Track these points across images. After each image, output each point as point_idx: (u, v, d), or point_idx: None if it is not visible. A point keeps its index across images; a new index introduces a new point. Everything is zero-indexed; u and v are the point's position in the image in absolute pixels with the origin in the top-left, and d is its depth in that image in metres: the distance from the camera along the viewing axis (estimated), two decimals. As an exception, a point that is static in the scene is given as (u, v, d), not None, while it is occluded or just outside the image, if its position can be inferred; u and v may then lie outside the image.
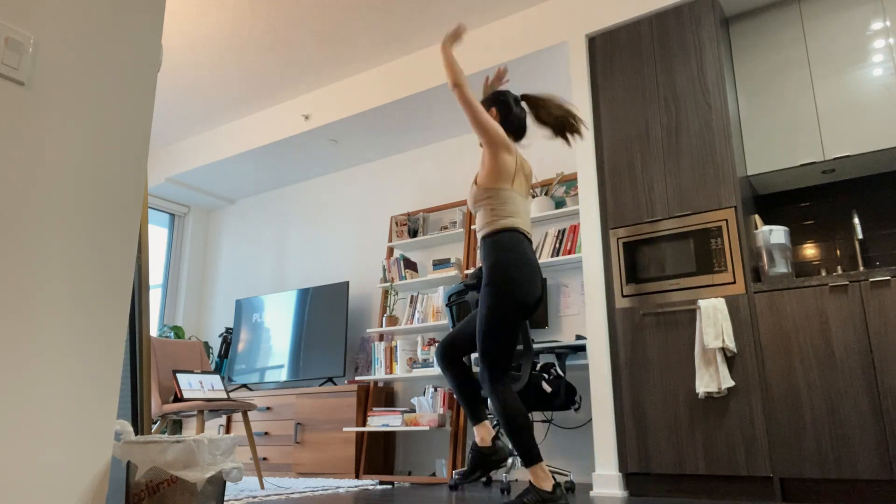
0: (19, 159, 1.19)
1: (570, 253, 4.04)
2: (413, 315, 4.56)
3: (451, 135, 5.02)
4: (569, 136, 2.56)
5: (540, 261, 4.10)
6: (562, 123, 2.54)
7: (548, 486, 2.22)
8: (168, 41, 4.28)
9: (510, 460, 3.34)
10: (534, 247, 2.54)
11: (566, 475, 3.25)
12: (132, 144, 1.41)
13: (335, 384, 4.78)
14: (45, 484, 1.16)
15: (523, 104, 2.63)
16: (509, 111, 2.55)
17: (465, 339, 2.50)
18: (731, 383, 2.79)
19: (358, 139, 5.07)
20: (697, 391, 2.84)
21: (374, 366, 4.48)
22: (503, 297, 2.28)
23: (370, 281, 5.21)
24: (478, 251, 2.48)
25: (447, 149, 5.09)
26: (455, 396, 2.54)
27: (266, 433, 4.71)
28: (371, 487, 3.58)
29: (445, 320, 4.34)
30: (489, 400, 2.31)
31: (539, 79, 4.22)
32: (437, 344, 2.37)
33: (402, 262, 4.71)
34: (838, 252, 3.34)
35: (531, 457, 2.24)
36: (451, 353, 2.47)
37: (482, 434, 2.42)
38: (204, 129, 5.59)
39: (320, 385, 4.77)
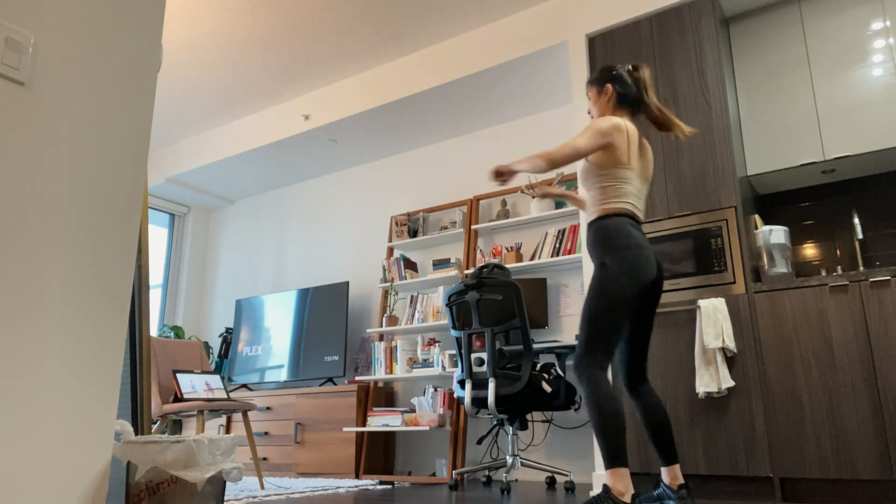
0: (19, 159, 1.19)
1: (570, 253, 4.04)
2: (413, 315, 4.56)
3: (451, 135, 5.02)
4: (667, 132, 2.45)
5: (539, 261, 4.10)
6: (657, 120, 2.43)
7: (627, 496, 1.99)
8: (168, 41, 4.28)
9: (509, 459, 3.34)
10: (644, 233, 2.36)
11: (566, 475, 3.25)
12: (132, 144, 1.41)
13: (335, 384, 4.78)
14: (45, 484, 1.16)
15: (638, 74, 2.47)
16: (624, 84, 2.42)
17: (636, 357, 2.33)
18: (731, 383, 2.79)
19: (358, 139, 5.07)
20: (697, 391, 2.84)
21: (374, 366, 4.48)
22: (614, 276, 2.14)
23: (370, 281, 5.21)
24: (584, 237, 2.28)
25: (447, 149, 5.09)
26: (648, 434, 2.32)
27: (266, 433, 4.71)
28: (371, 487, 3.58)
29: (445, 320, 4.34)
30: (581, 387, 2.12)
31: (539, 79, 4.22)
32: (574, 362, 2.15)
33: (402, 262, 4.71)
34: (838, 252, 3.34)
35: (617, 458, 2.02)
36: (636, 383, 2.32)
37: (674, 474, 2.25)
38: (204, 129, 5.59)
39: (320, 385, 4.77)
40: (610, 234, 2.20)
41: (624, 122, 2.29)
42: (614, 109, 2.42)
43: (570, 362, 3.95)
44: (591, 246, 2.26)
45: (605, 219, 2.24)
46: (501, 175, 2.27)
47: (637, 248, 2.17)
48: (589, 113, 2.54)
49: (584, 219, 2.33)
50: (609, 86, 2.43)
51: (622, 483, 2.00)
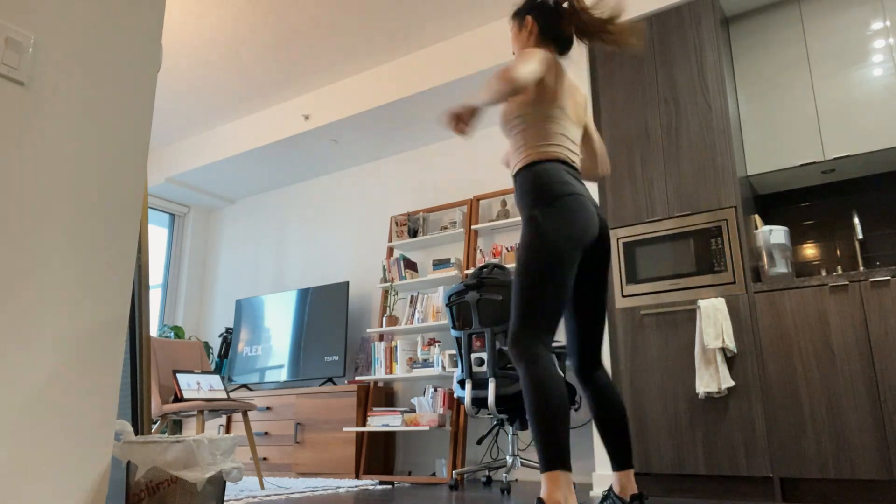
0: (19, 159, 1.19)
1: (570, 253, 4.03)
2: (413, 315, 4.56)
3: (452, 134, 5.02)
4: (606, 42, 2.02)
5: (540, 261, 4.09)
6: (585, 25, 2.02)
7: None
8: (168, 41, 4.28)
9: (509, 459, 3.34)
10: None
11: (566, 475, 3.24)
12: (132, 144, 1.41)
13: (335, 384, 4.78)
14: (45, 484, 1.16)
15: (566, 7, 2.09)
16: (547, 14, 2.07)
17: (587, 336, 1.96)
18: (731, 383, 2.79)
19: (358, 139, 5.07)
20: (697, 391, 2.84)
21: (374, 366, 4.48)
22: (545, 230, 1.78)
23: (370, 281, 5.21)
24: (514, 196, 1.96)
25: (447, 149, 5.09)
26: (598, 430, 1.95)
27: (266, 433, 4.71)
28: (371, 487, 3.58)
29: (445, 320, 4.34)
30: (519, 368, 1.74)
31: (539, 79, 4.22)
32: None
33: (402, 262, 4.71)
34: (838, 252, 3.34)
35: (558, 459, 1.60)
36: (588, 367, 1.96)
37: (625, 481, 1.86)
38: (204, 129, 5.59)
39: (320, 385, 4.77)
40: (543, 182, 1.85)
41: (553, 56, 1.97)
42: (538, 46, 2.08)
43: (568, 363, 3.94)
44: (520, 198, 1.90)
45: (536, 165, 1.90)
46: (459, 120, 1.80)
47: (575, 197, 1.83)
48: (514, 54, 2.18)
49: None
50: (529, 18, 2.10)
51: (561, 491, 1.57)
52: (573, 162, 1.95)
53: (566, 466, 1.60)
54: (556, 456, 1.61)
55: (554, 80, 1.95)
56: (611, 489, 1.89)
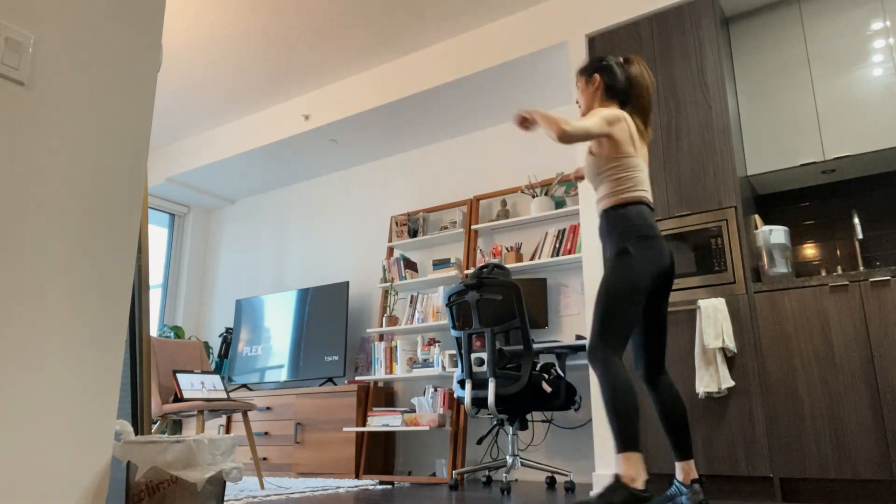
0: (19, 159, 1.19)
1: (570, 253, 4.04)
2: (413, 315, 4.56)
3: (452, 135, 5.02)
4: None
5: (539, 261, 4.11)
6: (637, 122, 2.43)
7: (640, 482, 1.93)
8: (168, 41, 4.28)
9: (509, 459, 3.34)
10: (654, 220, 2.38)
11: (566, 475, 3.25)
12: (132, 144, 1.41)
13: (335, 384, 4.78)
14: (45, 484, 1.16)
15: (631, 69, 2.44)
16: (613, 76, 2.40)
17: (653, 348, 2.29)
18: (731, 383, 2.79)
19: (358, 139, 5.07)
20: (697, 391, 2.84)
21: (374, 366, 4.48)
22: (634, 264, 2.14)
23: (370, 281, 5.21)
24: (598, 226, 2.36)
25: (447, 149, 5.09)
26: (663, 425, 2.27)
27: (266, 433, 4.71)
28: (371, 487, 3.58)
29: (445, 320, 4.34)
30: (596, 372, 2.09)
31: (539, 79, 4.22)
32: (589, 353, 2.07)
33: (402, 262, 4.71)
34: (838, 252, 3.34)
35: (629, 442, 1.98)
36: (653, 374, 2.28)
37: (687, 469, 2.18)
38: (204, 129, 5.59)
39: (320, 385, 4.77)
40: (634, 223, 2.20)
41: (622, 113, 2.29)
42: (602, 100, 2.40)
43: (570, 362, 3.95)
44: (609, 233, 2.25)
45: (625, 207, 2.24)
46: (525, 121, 2.27)
47: (659, 239, 2.20)
48: (577, 103, 2.50)
49: (595, 207, 2.35)
50: (597, 76, 2.41)
51: (633, 468, 1.95)
52: (651, 202, 2.32)
53: (636, 448, 1.98)
54: (628, 439, 1.98)
55: (627, 133, 2.27)
56: (674, 478, 2.20)
